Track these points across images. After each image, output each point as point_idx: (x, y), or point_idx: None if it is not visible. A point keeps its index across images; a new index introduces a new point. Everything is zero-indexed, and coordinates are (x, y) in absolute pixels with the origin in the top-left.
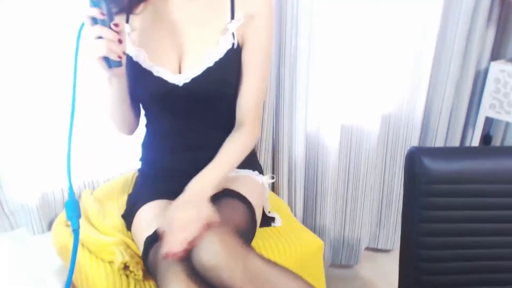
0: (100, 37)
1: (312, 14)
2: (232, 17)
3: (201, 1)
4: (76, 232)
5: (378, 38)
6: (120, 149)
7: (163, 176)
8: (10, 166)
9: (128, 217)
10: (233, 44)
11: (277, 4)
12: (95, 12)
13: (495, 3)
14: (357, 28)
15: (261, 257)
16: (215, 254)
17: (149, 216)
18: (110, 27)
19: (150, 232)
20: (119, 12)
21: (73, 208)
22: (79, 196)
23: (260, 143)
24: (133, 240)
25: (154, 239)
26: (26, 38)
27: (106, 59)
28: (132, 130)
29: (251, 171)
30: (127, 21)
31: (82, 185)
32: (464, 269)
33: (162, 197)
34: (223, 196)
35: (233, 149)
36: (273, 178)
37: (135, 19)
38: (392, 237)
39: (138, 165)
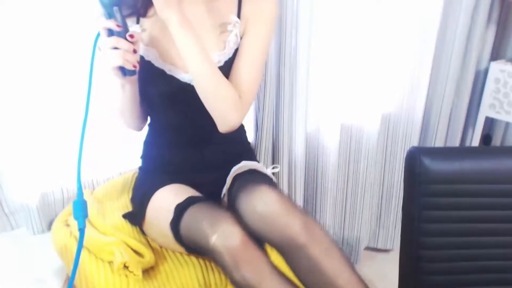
0: (116, 48)
1: (312, 14)
2: (239, 17)
3: (211, 5)
4: (82, 231)
5: (378, 38)
6: (120, 149)
7: (168, 170)
8: (10, 166)
9: (138, 212)
10: (239, 44)
11: (277, 4)
12: (112, 24)
13: (495, 3)
14: (357, 28)
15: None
16: (274, 202)
17: (169, 195)
18: (125, 38)
19: (178, 202)
20: (131, 14)
21: (81, 208)
22: None
23: (260, 143)
24: (135, 238)
25: (186, 206)
26: (26, 38)
27: (121, 68)
28: (141, 126)
29: (256, 162)
30: (137, 22)
31: (82, 185)
32: (464, 269)
33: (174, 182)
34: (252, 173)
35: (225, 79)
36: (276, 167)
37: (145, 20)
38: (392, 237)
39: (138, 164)
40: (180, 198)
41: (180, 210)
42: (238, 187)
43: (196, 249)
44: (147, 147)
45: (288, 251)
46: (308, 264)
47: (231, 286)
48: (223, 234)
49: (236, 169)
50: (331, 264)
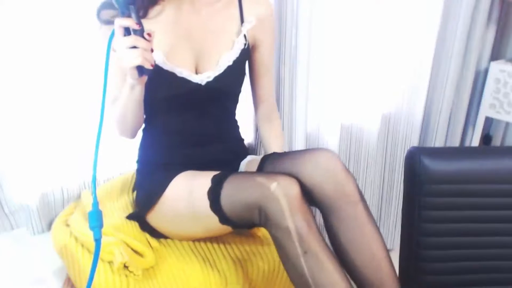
0: (134, 47)
1: (312, 14)
2: (242, 20)
3: (214, 6)
4: (97, 242)
5: (378, 38)
6: (120, 149)
7: (172, 170)
8: (10, 166)
9: (147, 201)
10: (245, 44)
11: (277, 4)
12: (131, 23)
13: (495, 3)
14: (357, 28)
15: None
16: (336, 160)
17: (195, 175)
18: (143, 37)
19: (208, 179)
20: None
21: (96, 218)
22: (79, 196)
23: (260, 143)
24: (135, 238)
25: (225, 175)
26: (26, 38)
27: (138, 68)
28: (136, 133)
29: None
30: None
31: (82, 185)
32: (464, 269)
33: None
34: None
35: (280, 142)
36: None
37: (147, 23)
38: (392, 237)
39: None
40: (212, 173)
41: (220, 178)
42: (280, 158)
43: (236, 212)
44: (145, 151)
45: (339, 205)
46: (353, 222)
47: (231, 285)
48: (283, 183)
49: (248, 160)
50: (371, 227)
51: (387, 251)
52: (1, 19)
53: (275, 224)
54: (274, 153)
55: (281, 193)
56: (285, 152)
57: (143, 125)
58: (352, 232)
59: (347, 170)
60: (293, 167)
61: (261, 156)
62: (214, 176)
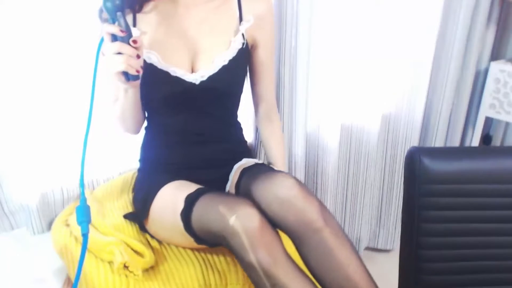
0: (119, 53)
1: (312, 14)
2: (240, 19)
3: (210, 5)
4: (85, 236)
5: (378, 38)
6: (120, 149)
7: (169, 169)
8: (10, 166)
9: (142, 209)
10: (243, 44)
11: (277, 4)
12: (115, 30)
13: (495, 3)
14: (357, 28)
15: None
16: (294, 187)
17: (177, 189)
18: (129, 44)
19: (188, 193)
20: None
21: (84, 213)
22: (79, 196)
23: (260, 143)
24: (135, 238)
25: (197, 195)
26: (26, 38)
27: (124, 73)
28: (139, 129)
29: (257, 160)
30: (134, 25)
31: None
32: (464, 269)
33: (178, 179)
34: (262, 166)
35: (280, 143)
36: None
37: (143, 22)
38: (392, 237)
39: (138, 164)
40: (190, 190)
41: (191, 199)
42: (250, 177)
43: (206, 237)
44: (146, 149)
45: (303, 234)
46: (321, 249)
47: (231, 285)
48: (242, 215)
49: (239, 165)
50: (342, 251)
51: (366, 271)
52: (1, 19)
53: (239, 257)
54: (252, 168)
55: (241, 226)
56: (258, 170)
57: (145, 124)
58: (320, 258)
59: (310, 195)
60: (257, 194)
61: (255, 160)
62: (188, 196)
